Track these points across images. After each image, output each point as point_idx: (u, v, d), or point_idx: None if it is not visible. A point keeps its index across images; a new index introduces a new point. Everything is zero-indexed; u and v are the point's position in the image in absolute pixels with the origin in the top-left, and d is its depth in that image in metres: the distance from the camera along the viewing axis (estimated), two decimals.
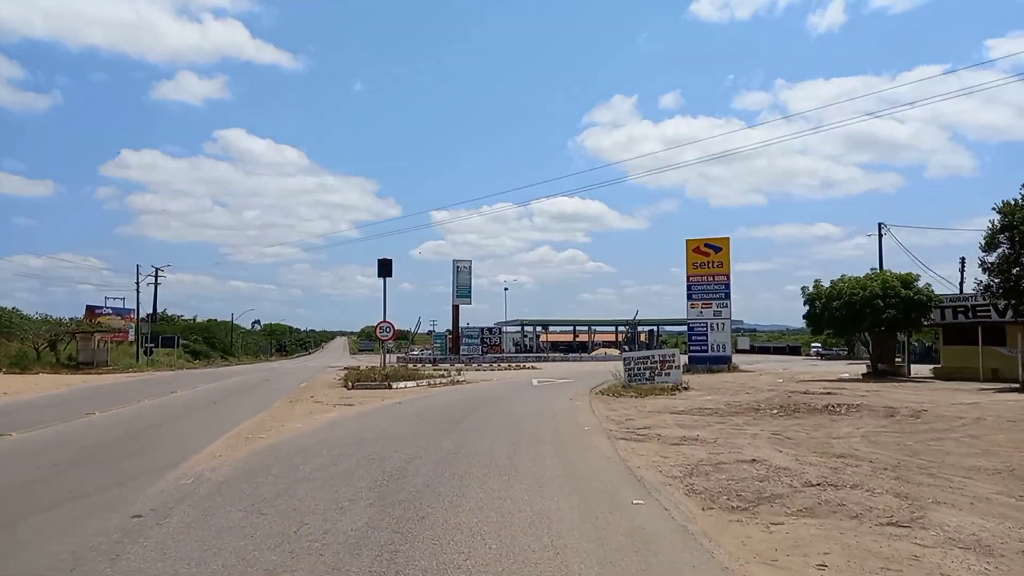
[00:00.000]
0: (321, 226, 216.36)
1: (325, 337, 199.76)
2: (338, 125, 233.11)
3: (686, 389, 28.20)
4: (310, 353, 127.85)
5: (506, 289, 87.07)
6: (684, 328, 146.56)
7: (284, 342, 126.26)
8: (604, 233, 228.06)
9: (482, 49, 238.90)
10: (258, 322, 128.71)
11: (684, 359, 40.60)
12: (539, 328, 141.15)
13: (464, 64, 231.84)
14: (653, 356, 29.73)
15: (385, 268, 30.33)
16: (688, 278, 49.42)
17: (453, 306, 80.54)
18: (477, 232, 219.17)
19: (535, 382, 36.35)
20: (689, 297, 49.27)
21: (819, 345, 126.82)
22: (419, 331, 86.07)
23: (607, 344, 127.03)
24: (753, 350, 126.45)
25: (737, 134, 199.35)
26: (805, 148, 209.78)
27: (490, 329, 78.30)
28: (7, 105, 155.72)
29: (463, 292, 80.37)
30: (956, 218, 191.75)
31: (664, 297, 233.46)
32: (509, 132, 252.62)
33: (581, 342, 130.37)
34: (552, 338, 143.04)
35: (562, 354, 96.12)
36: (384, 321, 34.65)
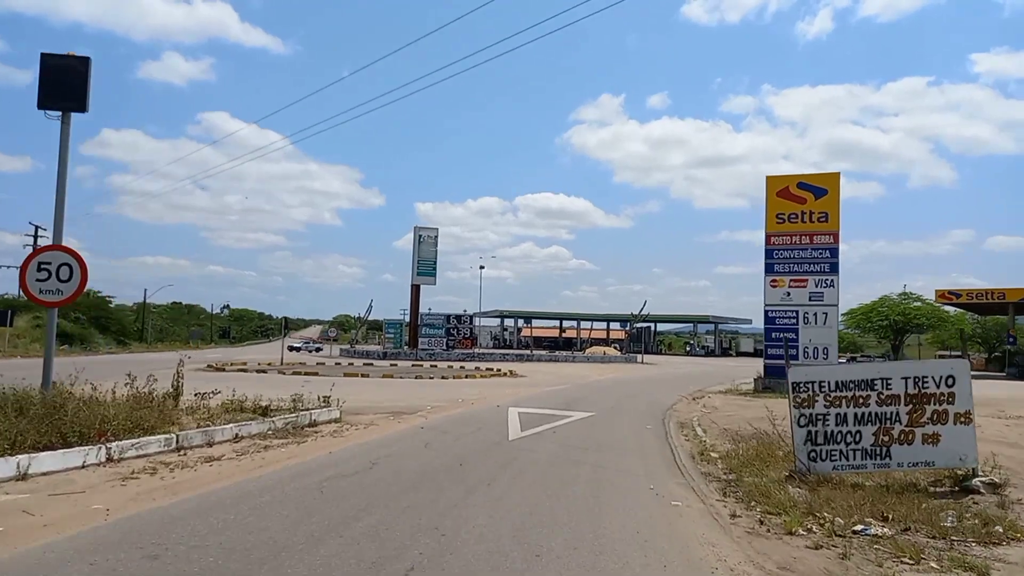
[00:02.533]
0: (304, 213, 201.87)
1: (300, 325, 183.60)
2: (324, 112, 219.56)
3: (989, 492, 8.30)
4: (270, 341, 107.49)
5: (482, 267, 67.49)
6: (684, 327, 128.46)
7: (227, 328, 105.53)
8: (588, 231, 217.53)
9: (472, 42, 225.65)
10: (227, 307, 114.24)
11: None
12: (521, 321, 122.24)
13: (453, 57, 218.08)
14: (887, 380, 9.16)
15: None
16: (768, 239, 29.67)
17: (413, 286, 60.50)
18: (461, 225, 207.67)
19: (514, 417, 16.11)
20: (769, 269, 29.51)
21: None
22: (369, 317, 65.91)
23: (598, 342, 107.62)
24: (757, 353, 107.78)
25: (724, 137, 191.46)
26: (789, 154, 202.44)
27: (459, 317, 58.61)
28: None
29: (426, 268, 60.41)
30: (935, 230, 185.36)
31: (644, 297, 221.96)
32: (496, 126, 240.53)
33: (568, 338, 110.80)
34: (536, 332, 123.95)
35: (548, 352, 76.28)
36: None
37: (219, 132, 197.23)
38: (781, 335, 29.07)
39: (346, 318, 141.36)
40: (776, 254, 29.48)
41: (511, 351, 70.20)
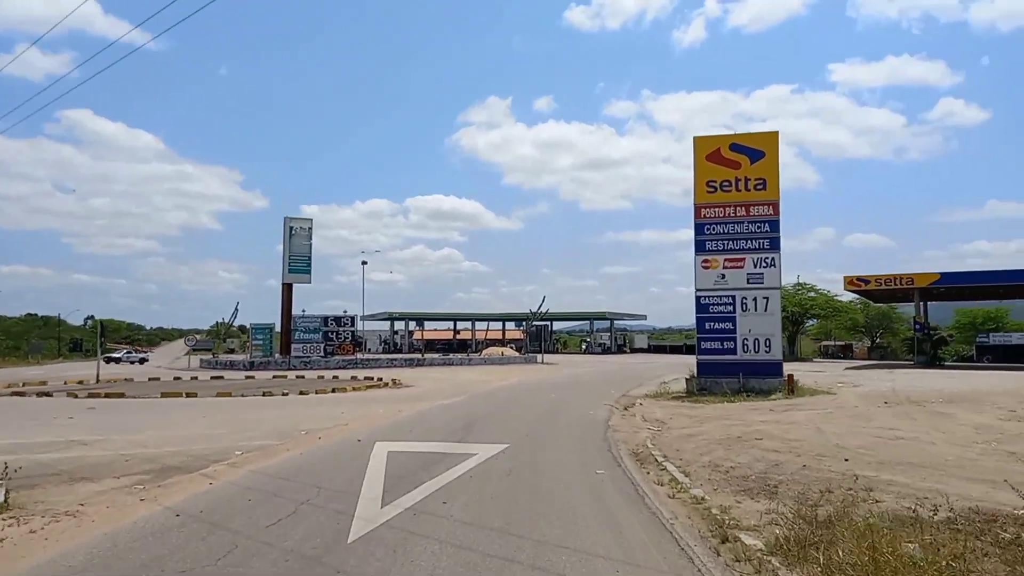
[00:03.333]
0: (179, 217, 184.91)
1: (174, 335, 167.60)
2: (200, 111, 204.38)
3: None
4: (118, 358, 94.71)
5: (364, 263, 59.65)
6: (579, 325, 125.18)
7: (79, 341, 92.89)
8: (480, 232, 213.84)
9: (357, 41, 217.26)
10: (91, 317, 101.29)
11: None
12: (413, 324, 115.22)
13: (339, 55, 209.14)
14: None
15: None
16: (697, 211, 24.79)
17: (284, 285, 52.64)
18: (350, 228, 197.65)
19: (379, 463, 9.77)
20: (699, 248, 24.65)
21: None
22: (234, 323, 57.41)
23: (494, 342, 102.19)
24: (651, 349, 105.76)
25: (608, 140, 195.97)
26: (669, 157, 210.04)
27: (338, 319, 51.21)
28: None
29: (299, 264, 52.70)
30: (802, 228, 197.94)
31: (536, 297, 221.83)
32: (384, 126, 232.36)
33: (463, 340, 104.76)
34: (428, 335, 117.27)
35: (442, 355, 69.94)
36: None
37: (82, 131, 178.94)
38: (716, 325, 24.21)
39: (219, 327, 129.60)
40: (708, 229, 24.57)
41: (400, 356, 63.45)
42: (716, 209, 24.49)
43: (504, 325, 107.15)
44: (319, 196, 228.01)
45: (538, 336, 72.18)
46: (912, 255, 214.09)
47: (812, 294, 73.50)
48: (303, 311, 52.33)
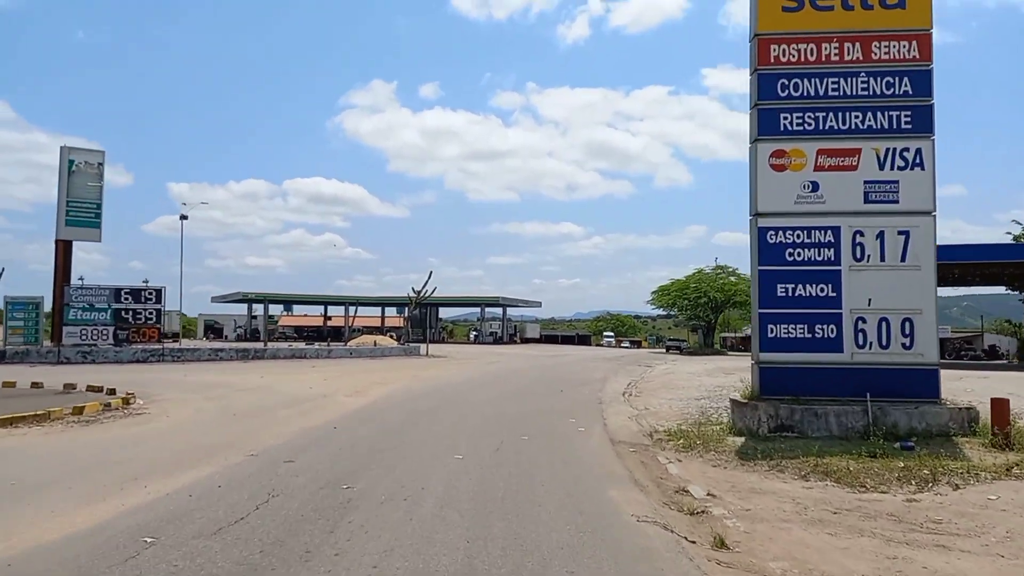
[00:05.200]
0: (28, 191, 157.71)
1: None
2: (54, 77, 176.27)
3: None
4: None
5: (183, 217, 42.98)
6: (468, 312, 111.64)
7: None
8: (364, 218, 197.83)
9: (233, 12, 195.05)
10: None
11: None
12: (281, 308, 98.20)
13: (212, 26, 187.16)
14: None
15: None
16: (762, 49, 11.60)
17: (58, 243, 35.79)
18: (223, 209, 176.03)
19: None
20: (766, 126, 11.52)
21: (612, 335, 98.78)
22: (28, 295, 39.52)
23: (370, 330, 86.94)
24: (543, 339, 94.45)
25: (495, 131, 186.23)
26: (554, 151, 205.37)
27: (136, 292, 34.63)
28: None
29: (83, 215, 36.08)
30: (675, 225, 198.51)
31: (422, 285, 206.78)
32: (261, 104, 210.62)
33: (336, 327, 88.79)
34: (298, 321, 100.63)
35: (306, 343, 54.34)
36: None
37: None
38: (800, 289, 11.24)
39: None
40: (783, 87, 11.52)
41: (235, 346, 47.48)
42: (801, 47, 11.45)
43: (383, 311, 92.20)
44: (189, 174, 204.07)
45: (422, 322, 57.97)
46: None
47: (733, 278, 63.61)
48: (81, 280, 35.72)
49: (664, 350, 66.22)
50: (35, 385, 16.70)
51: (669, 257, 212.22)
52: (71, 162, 36.03)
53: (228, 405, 13.75)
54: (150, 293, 36.18)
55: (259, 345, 43.83)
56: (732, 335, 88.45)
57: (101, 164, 37.08)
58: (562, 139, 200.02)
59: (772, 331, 11.18)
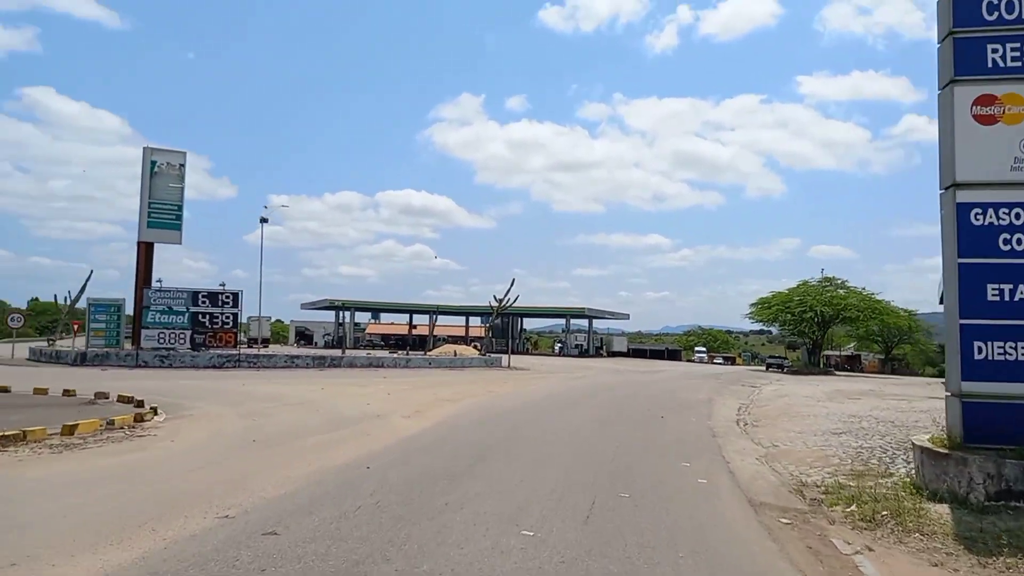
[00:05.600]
0: (136, 203, 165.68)
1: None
2: (166, 95, 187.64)
3: None
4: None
5: (263, 220, 42.12)
6: (553, 324, 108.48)
7: None
8: (452, 230, 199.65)
9: (329, 32, 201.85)
10: (36, 300, 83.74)
11: None
12: (369, 316, 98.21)
13: (310, 46, 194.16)
14: None
15: None
16: None
17: (141, 245, 35.30)
18: (319, 220, 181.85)
19: None
20: (964, 64, 8.00)
21: (704, 350, 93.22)
22: (81, 299, 39.63)
23: (454, 339, 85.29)
24: (631, 353, 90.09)
25: (581, 142, 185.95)
26: (640, 162, 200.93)
27: (213, 295, 33.37)
28: None
29: (165, 215, 35.47)
30: (768, 237, 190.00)
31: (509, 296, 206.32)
32: (355, 119, 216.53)
33: (421, 336, 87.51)
34: (384, 329, 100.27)
35: (390, 352, 52.65)
36: None
37: (42, 109, 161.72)
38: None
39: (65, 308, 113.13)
40: (989, 7, 8.08)
41: (318, 353, 46.18)
42: None
43: (468, 320, 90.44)
44: (288, 186, 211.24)
45: (505, 332, 55.44)
46: (873, 267, 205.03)
47: (842, 291, 58.00)
48: (159, 281, 34.94)
49: (763, 368, 61.23)
50: (67, 393, 14.94)
51: (761, 270, 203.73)
52: (153, 163, 35.51)
53: (257, 426, 11.35)
54: (227, 297, 35.10)
55: (337, 353, 42.29)
56: (836, 353, 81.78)
57: (182, 165, 36.43)
58: (649, 149, 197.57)
59: (981, 351, 7.74)
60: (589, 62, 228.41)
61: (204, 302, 34.42)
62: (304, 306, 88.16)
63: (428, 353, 46.07)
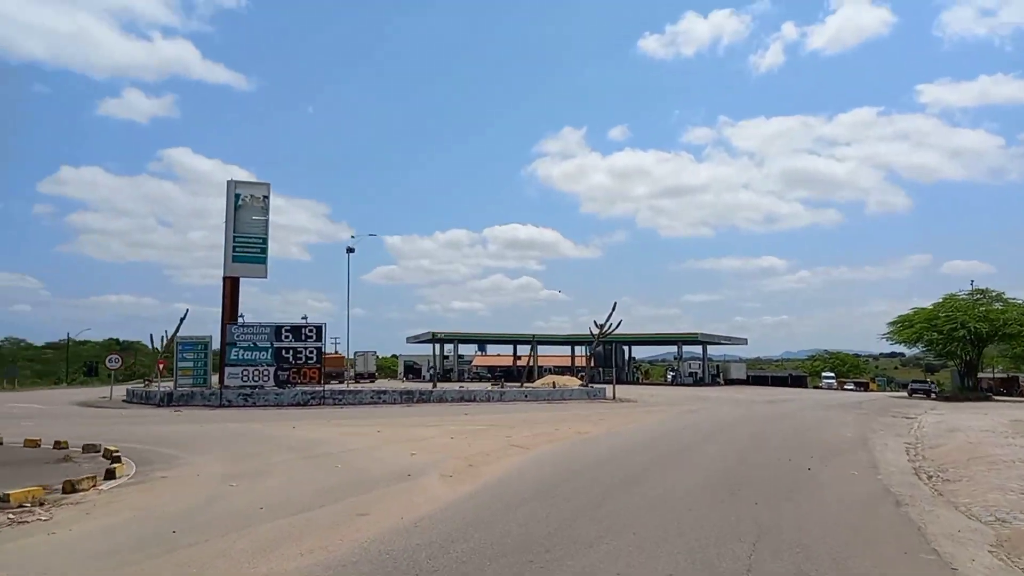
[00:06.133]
0: (271, 248, 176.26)
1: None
2: (289, 147, 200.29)
3: None
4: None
5: (350, 251, 40.60)
6: (664, 352, 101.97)
7: (94, 364, 76.54)
8: (558, 261, 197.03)
9: (433, 77, 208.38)
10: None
11: None
12: (475, 349, 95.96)
13: (417, 93, 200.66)
14: None
15: None
16: None
17: (226, 280, 34.01)
18: (430, 257, 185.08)
19: None
20: None
21: (832, 375, 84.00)
22: (176, 336, 38.77)
23: (560, 370, 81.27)
24: (750, 380, 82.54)
25: (685, 167, 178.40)
26: (749, 183, 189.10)
27: (296, 330, 31.47)
28: None
29: (249, 249, 34.04)
30: (893, 255, 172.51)
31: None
32: (461, 159, 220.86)
33: (526, 367, 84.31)
34: (487, 361, 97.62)
35: (491, 385, 48.81)
36: None
37: (181, 168, 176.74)
38: None
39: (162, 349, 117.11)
40: None
41: (408, 387, 43.52)
42: None
43: (573, 350, 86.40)
44: (401, 227, 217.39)
45: (608, 360, 50.87)
46: (1015, 282, 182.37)
47: (999, 304, 49.72)
48: (242, 317, 33.33)
49: (906, 394, 53.48)
50: (58, 445, 12.33)
51: (888, 289, 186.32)
52: (237, 196, 34.22)
53: (222, 496, 8.10)
54: (310, 330, 32.96)
55: (427, 387, 39.44)
56: (988, 375, 71.45)
57: (266, 197, 35.01)
58: (757, 170, 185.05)
59: None
60: (691, 86, 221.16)
61: (287, 336, 32.40)
62: (409, 339, 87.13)
63: (525, 385, 42.45)
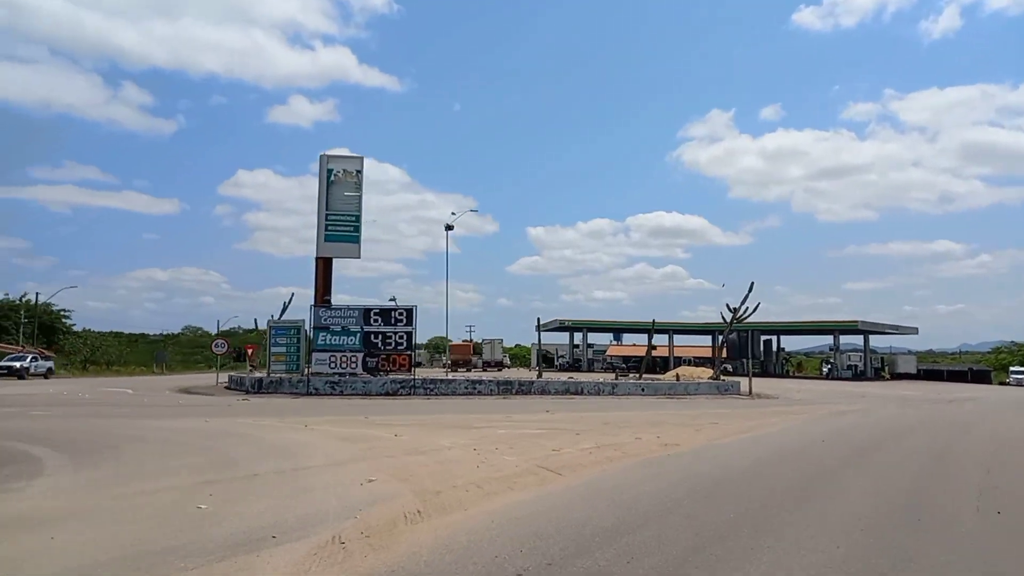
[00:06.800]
0: (422, 242, 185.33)
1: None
2: (438, 144, 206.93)
3: None
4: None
5: (449, 227, 37.11)
6: (818, 344, 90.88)
7: (239, 350, 79.42)
8: (705, 249, 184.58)
9: (575, 68, 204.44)
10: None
11: None
12: (609, 338, 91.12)
13: (559, 84, 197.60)
14: None
15: None
16: None
17: (318, 260, 31.86)
18: (573, 247, 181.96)
19: None
20: None
21: (1022, 370, 70.31)
22: (279, 321, 37.49)
23: (700, 361, 74.62)
24: (921, 375, 71.25)
25: (846, 146, 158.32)
26: (919, 160, 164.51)
27: (385, 313, 28.63)
28: (136, 129, 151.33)
29: (344, 229, 31.67)
30: None
31: (768, 316, 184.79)
32: (604, 147, 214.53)
33: (662, 358, 78.26)
34: (622, 351, 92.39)
35: (603, 376, 43.58)
36: None
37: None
38: None
39: (440, 340, 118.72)
40: None
41: (506, 377, 39.71)
42: None
43: (715, 340, 79.09)
44: (543, 218, 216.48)
45: (743, 349, 44.28)
46: None
47: None
48: (327, 300, 30.84)
49: None
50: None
51: None
52: (330, 171, 31.90)
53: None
54: (400, 314, 29.97)
55: (531, 377, 35.41)
56: None
57: (359, 172, 32.44)
58: (929, 146, 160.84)
59: None
60: (852, 59, 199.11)
61: (376, 320, 29.61)
62: (537, 328, 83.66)
63: (644, 377, 37.29)
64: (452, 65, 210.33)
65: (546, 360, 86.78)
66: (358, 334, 29.58)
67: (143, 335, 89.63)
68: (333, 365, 29.33)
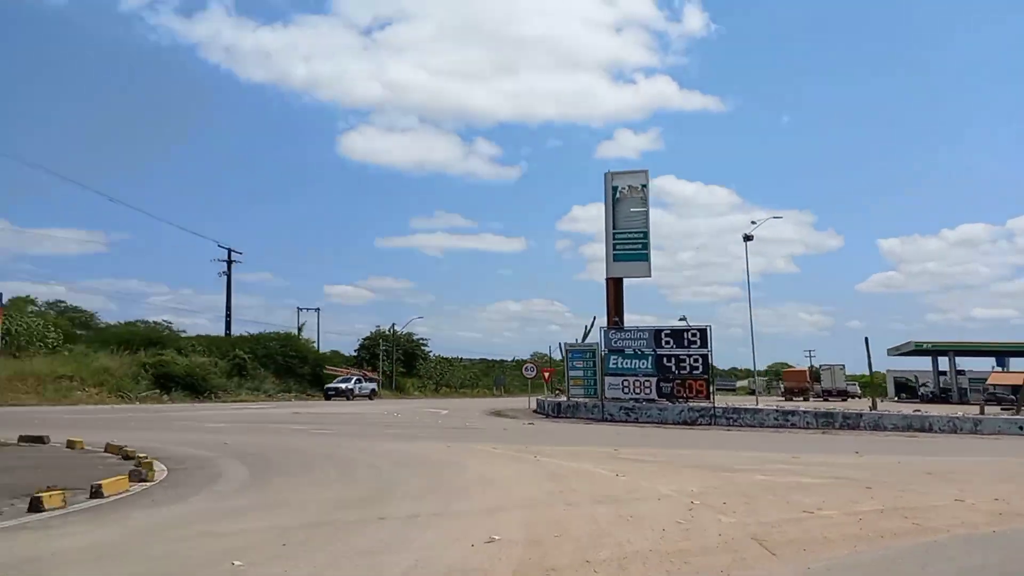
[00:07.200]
0: (755, 263, 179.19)
1: (744, 374, 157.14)
2: (766, 160, 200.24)
3: None
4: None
5: (748, 238, 31.51)
6: None
7: (501, 377, 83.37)
8: None
9: (916, 63, 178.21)
10: None
11: None
12: (994, 363, 74.41)
13: (894, 77, 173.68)
14: None
15: None
16: None
17: (609, 281, 30.35)
18: (937, 259, 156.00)
19: None
20: None
21: None
22: (582, 344, 36.32)
23: None
24: None
25: None
26: None
27: (676, 334, 25.50)
28: (488, 178, 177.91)
29: (632, 247, 29.83)
30: None
31: None
32: (963, 144, 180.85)
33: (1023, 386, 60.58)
34: (1008, 379, 74.81)
35: (999, 409, 34.31)
36: None
37: (667, 195, 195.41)
38: None
39: (782, 366, 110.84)
40: None
41: (834, 407, 33.02)
42: None
43: None
44: (895, 227, 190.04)
45: None
46: None
47: None
48: (616, 320, 29.17)
49: None
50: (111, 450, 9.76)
51: None
52: (615, 188, 30.70)
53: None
54: (693, 335, 27.08)
55: (860, 409, 29.07)
56: None
57: (645, 186, 30.62)
58: None
59: None
60: None
61: (668, 343, 27.20)
62: (889, 352, 71.65)
63: (1022, 412, 28.18)
64: (776, 78, 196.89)
65: (907, 389, 74.11)
66: (650, 357, 27.46)
67: (501, 361, 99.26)
68: (627, 390, 27.58)
